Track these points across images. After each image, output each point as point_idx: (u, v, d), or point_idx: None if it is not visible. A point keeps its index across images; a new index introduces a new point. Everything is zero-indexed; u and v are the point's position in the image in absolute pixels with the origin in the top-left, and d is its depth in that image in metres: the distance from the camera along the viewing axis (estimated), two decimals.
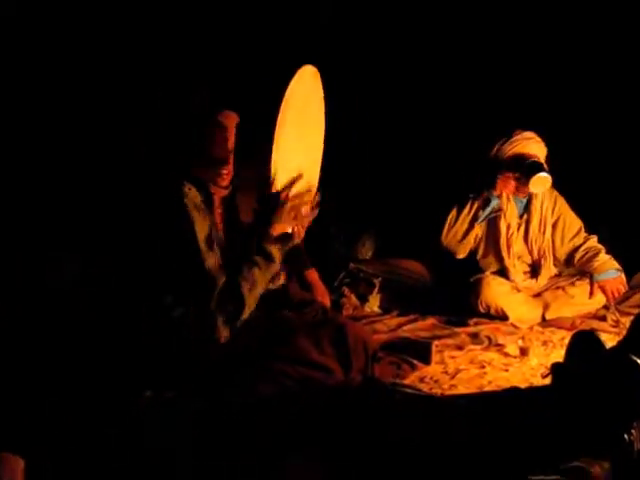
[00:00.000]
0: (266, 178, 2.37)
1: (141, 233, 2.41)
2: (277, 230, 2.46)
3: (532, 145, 3.77)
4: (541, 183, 3.68)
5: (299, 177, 2.47)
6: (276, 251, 2.44)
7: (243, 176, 2.58)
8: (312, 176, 2.65)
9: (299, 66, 2.42)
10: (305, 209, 2.54)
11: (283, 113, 2.32)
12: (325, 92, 2.63)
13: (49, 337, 2.48)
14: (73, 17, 3.69)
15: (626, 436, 1.77)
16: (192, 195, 2.40)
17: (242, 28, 4.22)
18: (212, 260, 2.35)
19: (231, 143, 2.49)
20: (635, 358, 1.96)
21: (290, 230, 2.52)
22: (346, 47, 4.54)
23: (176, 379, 2.29)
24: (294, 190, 2.45)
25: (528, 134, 3.79)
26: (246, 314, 2.38)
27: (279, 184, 2.41)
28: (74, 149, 3.62)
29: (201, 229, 2.37)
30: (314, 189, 2.63)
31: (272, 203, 2.42)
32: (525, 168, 3.68)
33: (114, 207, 2.58)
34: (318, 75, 2.55)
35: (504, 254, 3.92)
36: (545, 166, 3.72)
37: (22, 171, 3.52)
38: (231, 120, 2.50)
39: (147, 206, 2.45)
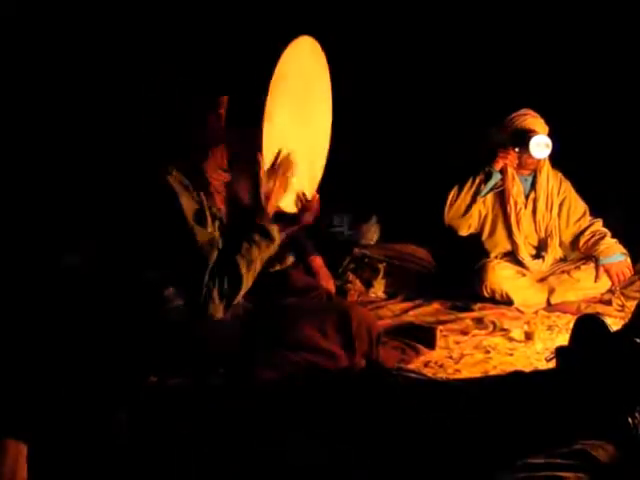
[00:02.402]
0: (257, 156, 2.35)
1: (129, 214, 2.40)
2: (272, 207, 2.46)
3: (530, 120, 3.80)
4: (541, 146, 3.69)
5: (281, 152, 2.43)
6: (275, 230, 2.43)
7: (238, 153, 2.55)
8: (316, 156, 2.65)
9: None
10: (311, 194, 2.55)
11: (274, 87, 2.29)
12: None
13: (55, 322, 2.49)
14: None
15: (630, 420, 1.77)
16: (176, 174, 2.37)
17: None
18: (202, 236, 2.33)
19: (218, 125, 2.47)
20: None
21: (293, 210, 2.52)
22: (344, 32, 4.53)
23: (179, 365, 2.30)
24: (282, 164, 2.43)
25: (525, 110, 3.83)
26: (243, 292, 2.37)
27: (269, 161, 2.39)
28: (78, 140, 3.64)
29: (188, 205, 2.34)
30: (320, 170, 2.62)
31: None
32: (524, 138, 3.71)
33: (109, 194, 2.59)
34: (319, 49, 2.53)
35: (514, 228, 3.92)
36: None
37: (27, 162, 3.55)
38: (221, 104, 2.47)
39: (133, 189, 2.43)
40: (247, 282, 2.37)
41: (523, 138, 3.72)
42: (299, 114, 2.52)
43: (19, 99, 3.65)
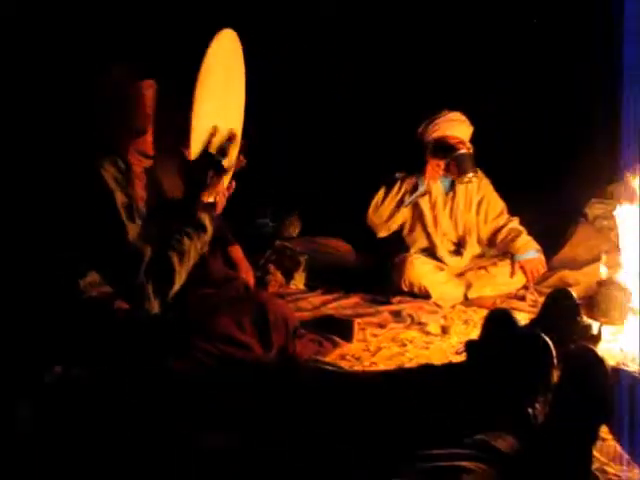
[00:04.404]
0: (185, 146, 2.33)
1: (60, 207, 2.35)
2: (208, 197, 2.44)
3: (455, 127, 3.82)
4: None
5: (215, 132, 2.41)
6: (208, 220, 2.42)
7: (162, 145, 2.53)
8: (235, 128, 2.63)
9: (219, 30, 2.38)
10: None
11: (202, 79, 2.28)
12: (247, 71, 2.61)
13: None
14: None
15: (530, 410, 1.82)
16: (108, 167, 2.35)
17: None
18: (133, 232, 2.31)
19: (149, 111, 2.44)
20: (543, 336, 2.01)
21: (212, 199, 2.50)
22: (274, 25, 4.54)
23: (87, 355, 2.25)
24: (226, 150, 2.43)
25: (451, 115, 3.84)
26: (177, 286, 2.35)
27: (196, 148, 2.37)
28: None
29: (120, 200, 2.32)
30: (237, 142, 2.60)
31: (201, 169, 2.39)
32: (454, 159, 3.76)
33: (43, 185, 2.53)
34: (237, 39, 2.52)
35: (431, 229, 3.98)
36: (471, 155, 3.78)
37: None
38: (148, 88, 2.45)
39: (65, 180, 2.38)
40: (181, 276, 2.35)
41: (448, 151, 3.76)
42: (220, 100, 2.50)
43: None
